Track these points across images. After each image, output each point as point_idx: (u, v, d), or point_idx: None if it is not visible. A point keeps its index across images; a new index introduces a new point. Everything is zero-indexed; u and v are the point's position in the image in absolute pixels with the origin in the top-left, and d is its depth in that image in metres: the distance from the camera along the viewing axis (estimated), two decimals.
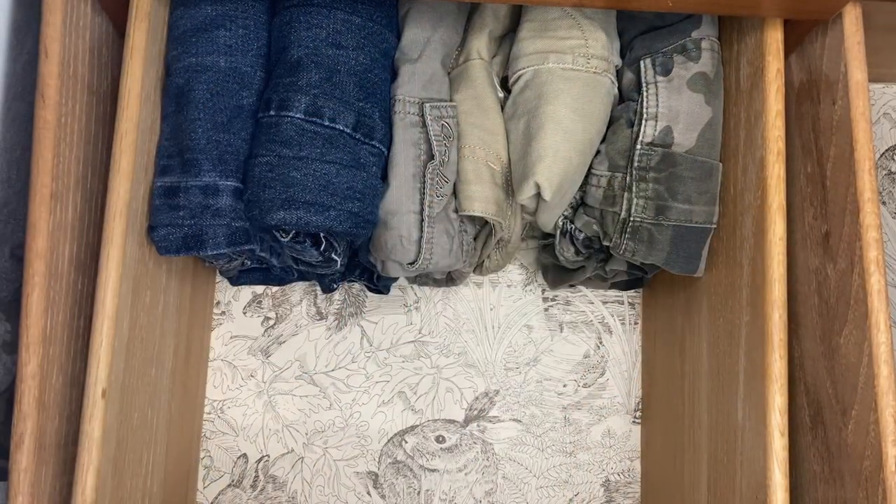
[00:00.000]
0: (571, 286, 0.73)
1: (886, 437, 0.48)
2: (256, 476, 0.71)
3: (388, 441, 0.73)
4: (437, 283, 0.70)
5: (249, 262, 0.64)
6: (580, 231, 0.59)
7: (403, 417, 0.73)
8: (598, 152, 0.59)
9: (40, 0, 0.51)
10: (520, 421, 0.73)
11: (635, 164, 0.56)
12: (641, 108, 0.57)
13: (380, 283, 0.67)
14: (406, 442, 0.73)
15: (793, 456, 0.51)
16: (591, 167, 0.59)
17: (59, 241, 0.51)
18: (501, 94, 0.61)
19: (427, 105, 0.57)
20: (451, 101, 0.59)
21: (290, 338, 0.74)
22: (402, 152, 0.57)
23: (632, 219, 0.56)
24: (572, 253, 0.61)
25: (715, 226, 0.58)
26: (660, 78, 0.57)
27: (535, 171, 0.56)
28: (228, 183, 0.54)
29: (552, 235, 0.63)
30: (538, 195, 0.57)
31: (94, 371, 0.49)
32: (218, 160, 0.54)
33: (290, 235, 0.55)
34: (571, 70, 0.57)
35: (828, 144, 0.54)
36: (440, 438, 0.73)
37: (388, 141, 0.57)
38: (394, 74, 0.59)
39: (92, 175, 0.55)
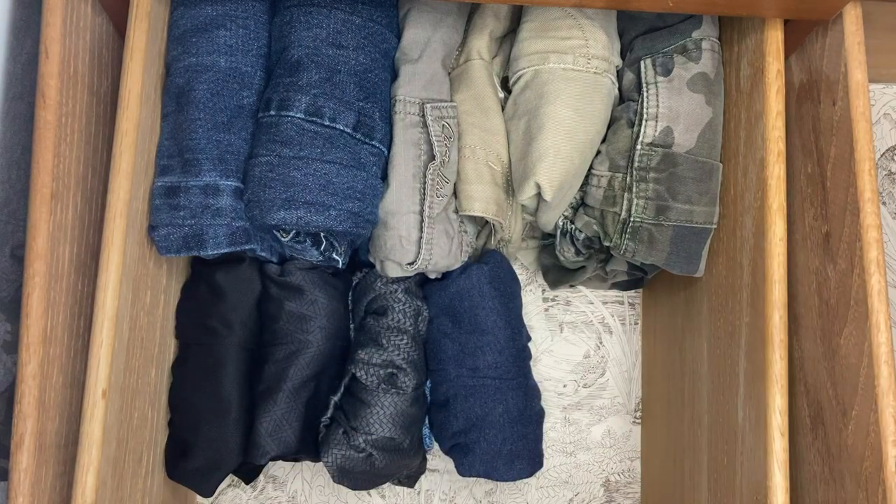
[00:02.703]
0: (572, 286, 0.73)
1: (886, 437, 0.48)
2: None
3: None
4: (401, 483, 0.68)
5: None
6: (580, 231, 0.59)
7: None
8: (598, 152, 0.59)
9: (40, 0, 0.51)
10: None
11: (636, 164, 0.56)
12: (642, 108, 0.57)
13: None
14: None
15: (793, 456, 0.51)
16: (591, 167, 0.59)
17: (59, 241, 0.51)
18: (502, 95, 0.61)
19: (428, 105, 0.57)
20: (451, 101, 0.59)
21: None
22: (402, 152, 0.56)
23: (632, 219, 0.56)
24: (573, 253, 0.61)
25: (715, 226, 0.58)
26: (660, 78, 0.57)
27: (535, 171, 0.56)
28: (229, 183, 0.54)
29: (552, 235, 0.63)
30: (539, 195, 0.57)
31: (94, 371, 0.49)
32: (218, 160, 0.54)
33: (291, 235, 0.55)
34: (572, 70, 0.57)
35: (828, 145, 0.54)
36: None
37: (389, 141, 0.57)
38: (394, 75, 0.59)
39: (92, 175, 0.55)
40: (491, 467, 0.62)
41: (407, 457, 0.61)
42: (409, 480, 0.66)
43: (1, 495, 0.56)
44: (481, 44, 0.59)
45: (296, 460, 0.66)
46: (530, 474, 0.63)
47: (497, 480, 0.64)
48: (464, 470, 0.62)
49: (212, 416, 0.59)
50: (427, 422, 0.65)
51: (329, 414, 0.61)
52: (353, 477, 0.60)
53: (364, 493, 0.72)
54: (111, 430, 0.50)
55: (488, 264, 0.62)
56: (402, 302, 0.61)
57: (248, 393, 0.60)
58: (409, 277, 0.62)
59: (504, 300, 0.62)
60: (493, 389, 0.61)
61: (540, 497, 0.73)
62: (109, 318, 0.49)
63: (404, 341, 0.60)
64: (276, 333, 0.60)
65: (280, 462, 0.71)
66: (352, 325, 0.64)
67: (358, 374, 0.59)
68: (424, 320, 0.62)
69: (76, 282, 0.54)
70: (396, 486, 0.71)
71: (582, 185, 0.60)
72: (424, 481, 0.72)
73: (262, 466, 0.65)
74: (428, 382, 0.64)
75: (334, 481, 0.60)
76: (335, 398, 0.61)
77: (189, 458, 0.59)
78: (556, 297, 0.75)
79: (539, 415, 0.64)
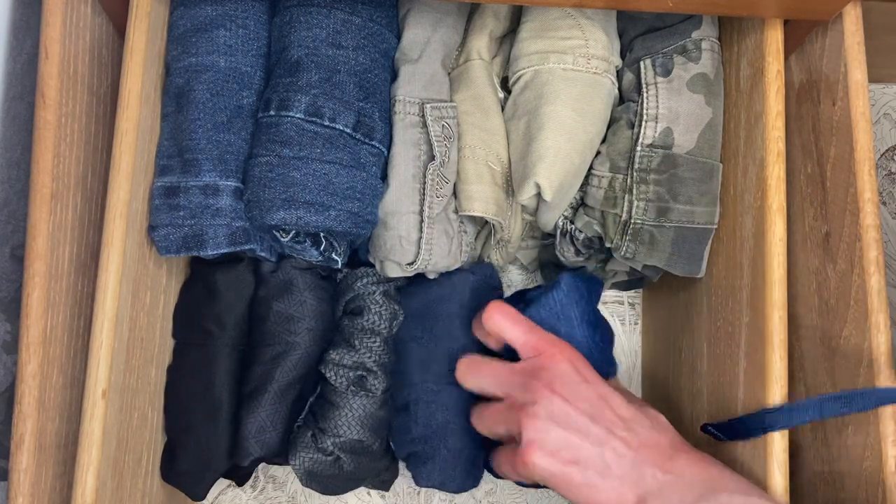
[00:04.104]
0: None
1: (886, 437, 0.48)
2: (256, 476, 0.71)
3: None
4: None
5: None
6: (580, 231, 0.59)
7: None
8: (598, 153, 0.59)
9: (40, 0, 0.51)
10: None
11: (636, 165, 0.56)
12: (641, 109, 0.57)
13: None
14: None
15: (793, 456, 0.51)
16: (591, 168, 0.59)
17: (59, 241, 0.51)
18: (502, 95, 0.61)
19: (427, 105, 0.57)
20: (451, 101, 0.59)
21: None
22: (402, 153, 0.57)
23: (633, 221, 0.56)
24: (572, 253, 0.61)
25: (716, 226, 0.58)
26: (660, 79, 0.57)
27: (535, 172, 0.56)
28: (228, 183, 0.54)
29: (552, 235, 0.63)
30: (538, 195, 0.57)
31: (94, 371, 0.49)
32: (218, 160, 0.54)
33: (290, 235, 0.55)
34: (572, 70, 0.57)
35: (828, 145, 0.54)
36: None
37: (388, 141, 0.57)
38: (394, 75, 0.59)
39: (92, 175, 0.55)
40: (448, 477, 0.60)
41: (375, 459, 0.60)
42: (384, 484, 0.65)
43: (1, 495, 0.56)
44: (481, 44, 0.59)
45: (280, 464, 0.65)
46: (476, 485, 0.62)
47: (451, 492, 0.62)
48: (422, 479, 0.61)
49: (202, 418, 0.59)
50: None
51: (303, 415, 0.60)
52: (322, 481, 0.59)
53: (364, 492, 0.72)
54: (111, 430, 0.50)
55: (476, 274, 0.62)
56: (379, 304, 0.60)
57: (239, 394, 0.60)
58: (390, 280, 0.61)
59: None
60: (456, 396, 0.60)
61: (540, 497, 0.73)
62: (109, 319, 0.49)
63: (376, 343, 0.59)
64: (265, 334, 0.60)
65: None
66: None
67: (328, 375, 0.59)
68: (399, 324, 0.62)
69: (76, 282, 0.54)
70: (396, 487, 0.71)
71: (582, 186, 0.60)
72: None
73: (252, 468, 0.65)
74: None
75: (303, 485, 0.59)
76: (311, 399, 0.60)
77: (179, 460, 0.59)
78: None
79: None
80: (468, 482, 0.61)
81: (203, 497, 0.60)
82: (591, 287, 0.61)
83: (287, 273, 0.60)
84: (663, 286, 0.70)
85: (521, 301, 0.61)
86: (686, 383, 0.64)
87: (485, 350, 0.61)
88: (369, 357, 0.59)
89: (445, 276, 0.61)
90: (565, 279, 0.59)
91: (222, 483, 0.71)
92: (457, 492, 0.61)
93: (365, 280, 0.61)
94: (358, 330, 0.60)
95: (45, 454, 0.51)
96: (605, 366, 0.59)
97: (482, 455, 0.62)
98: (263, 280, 0.60)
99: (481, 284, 0.62)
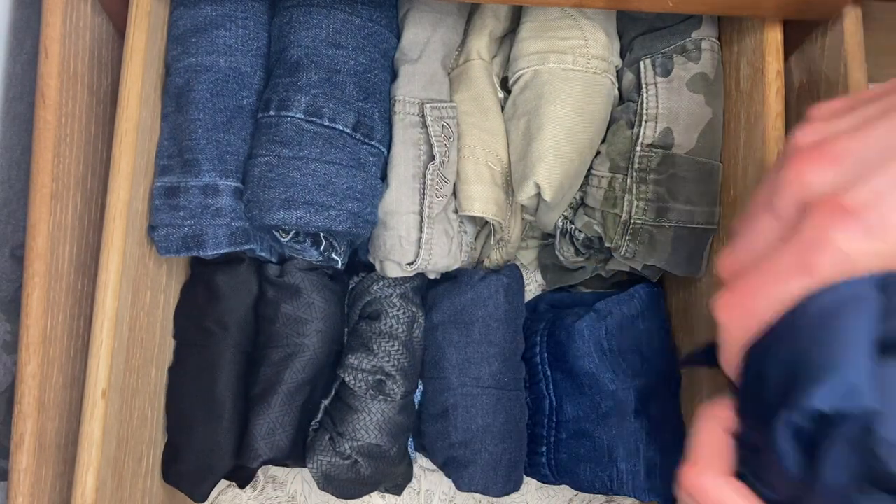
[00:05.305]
0: (571, 286, 0.73)
1: None
2: (256, 476, 0.71)
3: None
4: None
5: None
6: (580, 231, 0.60)
7: None
8: (598, 153, 0.59)
9: (40, 0, 0.51)
10: None
11: (636, 165, 0.56)
12: (641, 108, 0.57)
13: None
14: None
15: None
16: (591, 168, 0.59)
17: (59, 241, 0.51)
18: (501, 95, 0.61)
19: (427, 105, 0.57)
20: (451, 101, 0.59)
21: None
22: (401, 152, 0.57)
23: (632, 221, 0.56)
24: (572, 253, 0.61)
25: (716, 226, 0.58)
26: (660, 79, 0.57)
27: (535, 172, 0.56)
28: (228, 183, 0.54)
29: (552, 235, 0.63)
30: (538, 195, 0.57)
31: (94, 371, 0.49)
32: (218, 160, 0.54)
33: (290, 235, 0.55)
34: (572, 70, 0.57)
35: None
36: None
37: (388, 141, 0.57)
38: (394, 75, 0.59)
39: (92, 175, 0.55)
40: (490, 481, 0.60)
41: (392, 464, 0.60)
42: (396, 489, 0.65)
43: (1, 495, 0.56)
44: (481, 44, 0.59)
45: (285, 465, 0.65)
46: (517, 488, 0.62)
47: (494, 496, 0.62)
48: (463, 484, 0.60)
49: (205, 418, 0.58)
50: (415, 433, 0.64)
51: (318, 418, 0.60)
52: (339, 484, 0.59)
53: None
54: (111, 430, 0.50)
55: (508, 277, 0.62)
56: (396, 307, 0.60)
57: (242, 395, 0.60)
58: (407, 283, 0.61)
59: (514, 315, 0.62)
60: (494, 399, 0.61)
61: (540, 497, 0.73)
62: (109, 318, 0.49)
63: (395, 347, 0.59)
64: (272, 336, 0.60)
65: None
66: (347, 330, 0.63)
67: (346, 380, 0.59)
68: (420, 327, 0.61)
69: (76, 282, 0.54)
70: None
71: (582, 185, 0.60)
72: (424, 481, 0.72)
73: (256, 470, 0.64)
74: (419, 392, 0.63)
75: (319, 488, 0.59)
76: (325, 402, 0.60)
77: (181, 461, 0.59)
78: None
79: (524, 430, 0.63)
80: (509, 486, 0.61)
81: (205, 499, 0.60)
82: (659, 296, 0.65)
83: (294, 275, 0.60)
84: (663, 286, 0.70)
85: (582, 309, 0.63)
86: (685, 383, 0.64)
87: (516, 353, 0.62)
88: (388, 361, 0.59)
89: (480, 280, 0.61)
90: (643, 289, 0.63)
91: (222, 483, 0.71)
92: (499, 496, 0.61)
93: (381, 283, 0.61)
94: (376, 334, 0.60)
95: (45, 454, 0.51)
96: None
97: (523, 459, 0.62)
98: (271, 282, 0.60)
99: (513, 287, 0.62)
